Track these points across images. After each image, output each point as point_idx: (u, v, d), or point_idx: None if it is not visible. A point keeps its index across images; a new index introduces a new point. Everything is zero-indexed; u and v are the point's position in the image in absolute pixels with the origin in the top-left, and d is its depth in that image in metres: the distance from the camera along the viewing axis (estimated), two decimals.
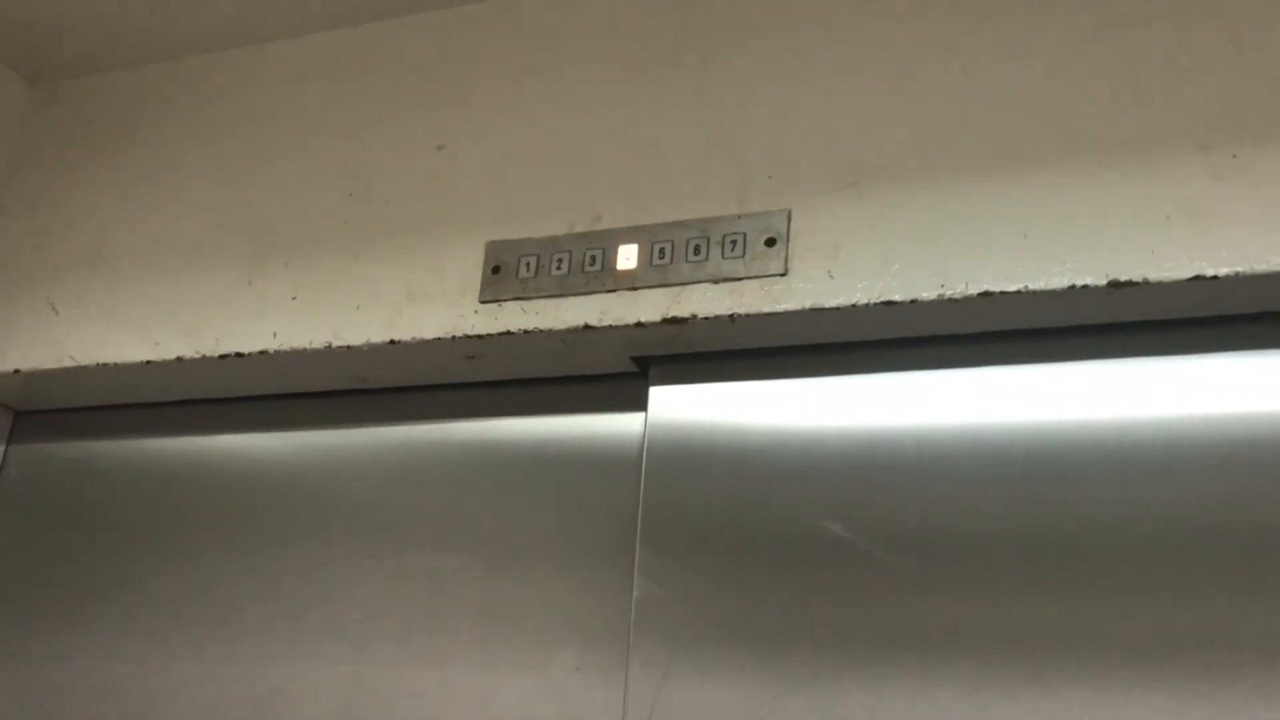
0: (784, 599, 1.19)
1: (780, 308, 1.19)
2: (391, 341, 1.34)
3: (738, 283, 1.21)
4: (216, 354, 1.43)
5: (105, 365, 1.49)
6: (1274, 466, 1.08)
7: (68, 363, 1.51)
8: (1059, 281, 1.09)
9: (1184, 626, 1.06)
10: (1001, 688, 1.09)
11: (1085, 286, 1.08)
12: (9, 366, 1.54)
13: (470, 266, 1.35)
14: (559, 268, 1.30)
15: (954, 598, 1.13)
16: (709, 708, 1.17)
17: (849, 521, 1.19)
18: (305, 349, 1.38)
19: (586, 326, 1.26)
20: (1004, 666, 1.09)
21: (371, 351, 1.37)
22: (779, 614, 1.19)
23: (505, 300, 1.31)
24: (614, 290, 1.26)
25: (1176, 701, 1.03)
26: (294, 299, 1.42)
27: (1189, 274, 1.05)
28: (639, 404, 1.34)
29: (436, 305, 1.34)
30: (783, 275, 1.20)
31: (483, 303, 1.32)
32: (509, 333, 1.29)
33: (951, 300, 1.13)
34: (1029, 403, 1.18)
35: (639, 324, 1.24)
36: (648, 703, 1.20)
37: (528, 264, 1.31)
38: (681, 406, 1.31)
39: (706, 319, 1.22)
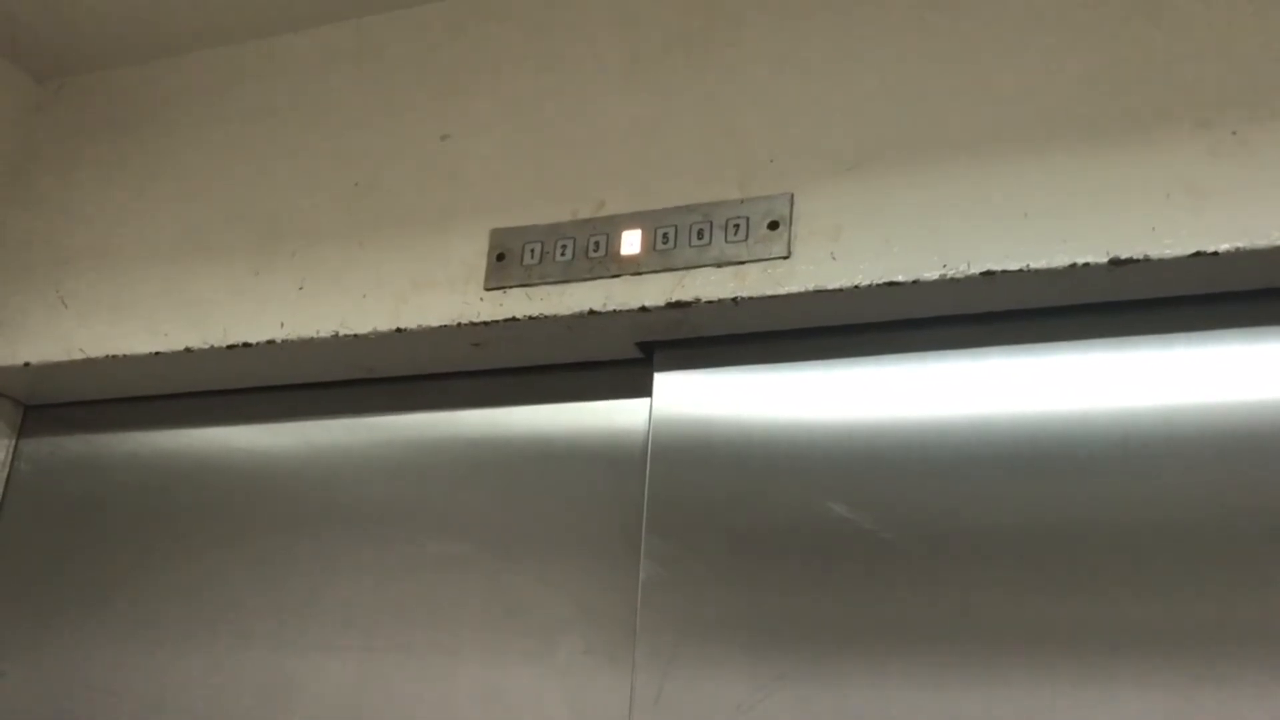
0: (790, 584, 1.19)
1: (783, 290, 1.19)
2: (398, 330, 1.35)
3: (741, 266, 1.22)
4: (224, 344, 1.44)
5: (114, 357, 1.50)
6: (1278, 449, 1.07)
7: (77, 355, 1.51)
8: (1060, 260, 1.09)
9: (1191, 614, 1.05)
10: (1005, 676, 1.08)
11: (1086, 264, 1.08)
12: (18, 360, 1.55)
13: (475, 254, 1.35)
14: (563, 254, 1.30)
15: (957, 582, 1.13)
16: (715, 691, 1.18)
17: (853, 506, 1.20)
18: (312, 338, 1.39)
19: (591, 312, 1.27)
20: (1007, 654, 1.09)
21: (378, 340, 1.37)
22: (785, 599, 1.19)
23: (510, 287, 1.32)
24: (618, 275, 1.27)
25: (1186, 691, 1.03)
26: (300, 289, 1.43)
27: (1190, 250, 1.05)
28: (644, 390, 1.34)
29: (442, 293, 1.35)
30: (785, 258, 1.20)
31: (488, 290, 1.33)
32: (514, 319, 1.30)
33: (954, 280, 1.13)
34: (1032, 388, 1.17)
35: (643, 308, 1.25)
36: (654, 686, 1.20)
37: (532, 251, 1.32)
38: (686, 392, 1.31)
39: (710, 302, 1.22)
